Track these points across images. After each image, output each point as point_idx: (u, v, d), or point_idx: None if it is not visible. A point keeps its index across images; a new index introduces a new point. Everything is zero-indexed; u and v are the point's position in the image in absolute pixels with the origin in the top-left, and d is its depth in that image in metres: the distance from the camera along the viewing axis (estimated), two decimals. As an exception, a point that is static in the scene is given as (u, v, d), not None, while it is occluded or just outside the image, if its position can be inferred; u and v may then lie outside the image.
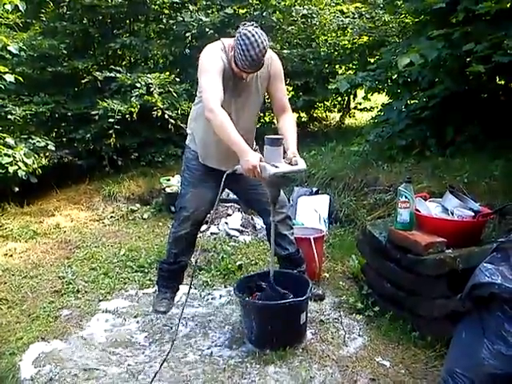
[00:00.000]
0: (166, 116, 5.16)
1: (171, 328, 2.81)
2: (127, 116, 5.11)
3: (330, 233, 4.15)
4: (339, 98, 7.93)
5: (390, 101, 5.35)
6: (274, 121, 5.71)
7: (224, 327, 2.81)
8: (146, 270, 3.63)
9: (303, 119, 8.00)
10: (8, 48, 4.76)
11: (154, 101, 5.09)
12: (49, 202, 5.30)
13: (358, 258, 3.36)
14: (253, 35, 2.33)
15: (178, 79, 5.55)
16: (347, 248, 3.73)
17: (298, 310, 2.53)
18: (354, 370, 2.33)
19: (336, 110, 8.31)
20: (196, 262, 3.06)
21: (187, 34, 5.76)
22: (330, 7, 7.06)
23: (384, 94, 5.73)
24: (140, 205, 5.21)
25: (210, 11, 6.10)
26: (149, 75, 5.27)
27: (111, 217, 4.99)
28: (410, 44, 3.94)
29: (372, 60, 6.44)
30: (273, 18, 6.38)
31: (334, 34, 7.17)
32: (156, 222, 4.80)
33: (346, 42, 7.04)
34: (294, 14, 6.56)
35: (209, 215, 2.80)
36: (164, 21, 6.36)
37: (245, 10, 6.25)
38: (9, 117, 5.02)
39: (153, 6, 6.13)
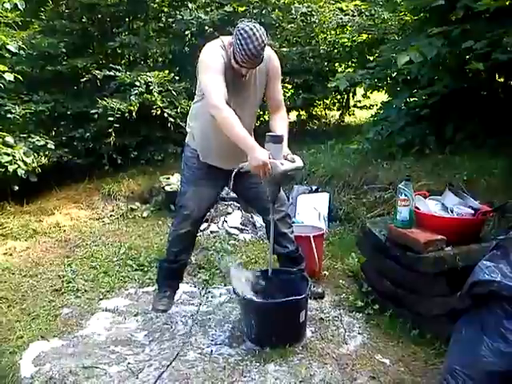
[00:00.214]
0: (166, 114, 5.16)
1: (171, 327, 2.81)
2: (126, 115, 5.10)
3: (329, 231, 4.15)
4: (339, 96, 7.92)
5: (390, 99, 5.35)
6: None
7: (224, 325, 2.81)
8: (146, 269, 3.63)
9: (302, 117, 8.00)
10: (7, 47, 4.76)
11: (153, 99, 5.09)
12: (48, 201, 5.29)
13: (357, 256, 3.37)
14: (251, 29, 2.33)
15: (177, 77, 5.55)
16: (347, 246, 3.73)
17: (297, 308, 2.53)
18: (353, 368, 2.34)
19: (335, 108, 8.29)
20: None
21: (186, 32, 5.75)
22: (329, 5, 7.03)
23: (383, 91, 5.73)
24: (140, 203, 5.21)
25: (209, 9, 6.08)
26: (148, 74, 5.26)
27: (111, 215, 5.00)
28: (410, 42, 3.94)
29: (371, 58, 6.44)
30: (272, 16, 6.37)
31: (333, 32, 7.14)
32: (156, 221, 4.80)
33: (346, 40, 7.03)
34: (293, 11, 6.54)
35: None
36: (163, 19, 6.36)
37: (244, 7, 6.23)
38: (8, 116, 5.01)
39: (152, 5, 6.12)
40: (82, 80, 5.63)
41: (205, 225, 4.14)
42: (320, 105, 8.05)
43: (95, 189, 5.50)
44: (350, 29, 6.80)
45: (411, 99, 4.82)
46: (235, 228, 4.34)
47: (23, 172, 4.68)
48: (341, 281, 3.28)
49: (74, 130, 5.69)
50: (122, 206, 5.15)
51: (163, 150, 5.93)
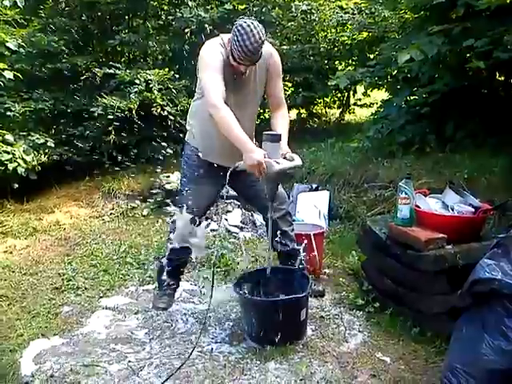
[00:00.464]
0: (166, 112, 5.16)
1: (171, 325, 2.81)
2: (126, 113, 5.10)
3: (330, 229, 4.15)
4: (339, 94, 7.92)
5: (390, 97, 5.35)
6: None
7: (224, 323, 2.81)
8: (146, 267, 3.63)
9: (303, 115, 8.00)
10: (7, 44, 4.75)
11: (153, 97, 5.09)
12: (48, 199, 5.29)
13: (358, 254, 3.37)
14: (248, 25, 2.32)
15: (177, 75, 5.55)
16: (347, 244, 3.73)
17: (298, 307, 2.53)
18: (354, 366, 2.33)
19: (336, 106, 8.29)
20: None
21: (186, 30, 5.75)
22: (329, 3, 7.04)
23: (384, 90, 5.72)
24: (140, 201, 5.20)
25: (209, 7, 6.08)
26: (148, 71, 5.26)
27: (111, 213, 4.99)
28: (410, 40, 3.94)
29: (372, 56, 6.43)
30: (272, 14, 6.37)
31: (333, 30, 7.15)
32: (156, 219, 4.80)
33: (346, 38, 7.02)
34: (293, 9, 6.55)
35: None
36: (163, 17, 6.35)
37: (244, 5, 6.23)
38: (8, 113, 5.00)
39: (152, 2, 6.12)
40: (82, 78, 5.61)
41: (205, 223, 4.13)
42: (320, 103, 8.05)
43: (95, 187, 5.50)
44: (350, 27, 6.80)
45: (411, 97, 4.82)
46: (235, 226, 4.34)
47: (23, 170, 4.68)
48: (341, 279, 3.28)
49: (73, 128, 5.68)
50: (122, 204, 5.14)
51: (163, 148, 5.93)
